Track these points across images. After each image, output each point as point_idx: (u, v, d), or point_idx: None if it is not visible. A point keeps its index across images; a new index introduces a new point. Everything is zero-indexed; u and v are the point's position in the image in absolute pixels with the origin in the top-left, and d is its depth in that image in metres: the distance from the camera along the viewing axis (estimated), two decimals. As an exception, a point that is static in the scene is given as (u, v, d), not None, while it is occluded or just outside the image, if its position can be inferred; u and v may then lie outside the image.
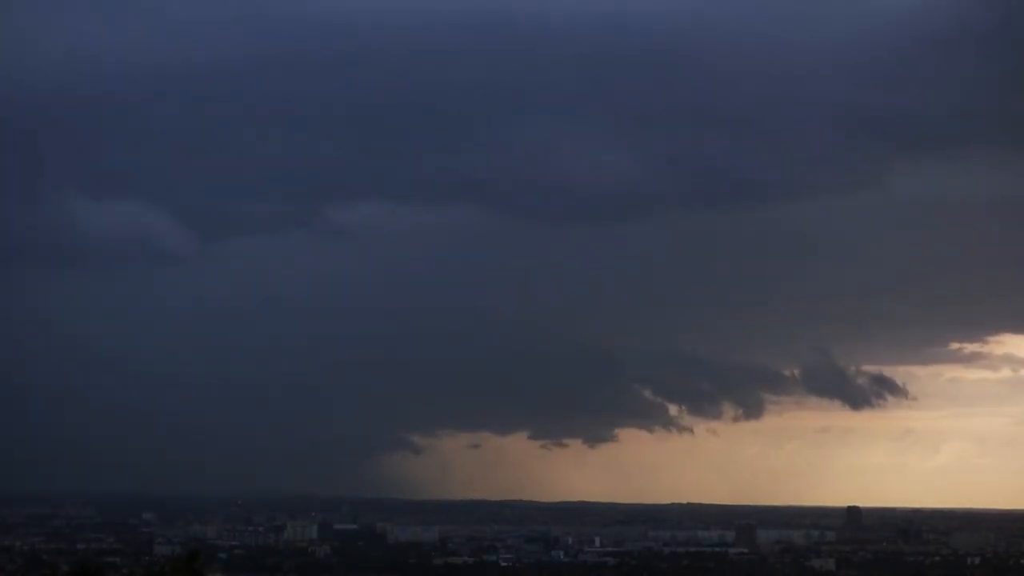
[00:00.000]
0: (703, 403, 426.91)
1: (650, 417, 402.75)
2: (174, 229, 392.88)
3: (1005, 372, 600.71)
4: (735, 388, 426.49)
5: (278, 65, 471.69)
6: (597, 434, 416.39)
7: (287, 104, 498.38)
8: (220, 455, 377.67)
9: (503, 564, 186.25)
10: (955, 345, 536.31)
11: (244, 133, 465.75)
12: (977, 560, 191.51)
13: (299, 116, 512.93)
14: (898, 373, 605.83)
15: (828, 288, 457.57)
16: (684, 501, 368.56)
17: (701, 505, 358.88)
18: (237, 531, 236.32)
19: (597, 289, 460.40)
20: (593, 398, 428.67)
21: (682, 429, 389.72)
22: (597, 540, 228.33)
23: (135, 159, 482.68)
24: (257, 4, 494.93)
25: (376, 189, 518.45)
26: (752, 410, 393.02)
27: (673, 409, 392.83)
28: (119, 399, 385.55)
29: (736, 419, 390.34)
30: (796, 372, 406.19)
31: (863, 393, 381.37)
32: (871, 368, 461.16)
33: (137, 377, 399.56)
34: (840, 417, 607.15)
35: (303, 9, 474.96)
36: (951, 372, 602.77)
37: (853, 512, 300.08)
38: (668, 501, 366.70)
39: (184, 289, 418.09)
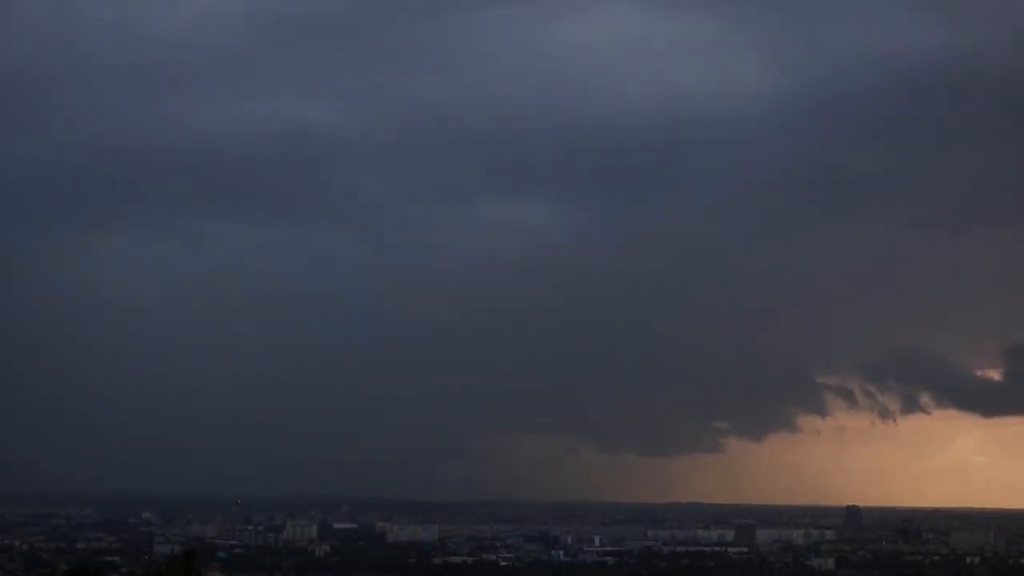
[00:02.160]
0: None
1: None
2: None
3: None
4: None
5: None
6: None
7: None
8: (223, 455, 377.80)
9: (503, 564, 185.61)
10: None
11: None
12: (976, 560, 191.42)
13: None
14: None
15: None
16: (684, 501, 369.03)
17: (701, 505, 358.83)
18: (237, 530, 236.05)
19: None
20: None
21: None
22: (597, 540, 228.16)
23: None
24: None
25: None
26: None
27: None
28: (119, 399, 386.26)
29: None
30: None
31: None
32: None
33: (137, 378, 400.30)
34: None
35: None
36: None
37: (853, 512, 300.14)
38: (667, 501, 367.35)
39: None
